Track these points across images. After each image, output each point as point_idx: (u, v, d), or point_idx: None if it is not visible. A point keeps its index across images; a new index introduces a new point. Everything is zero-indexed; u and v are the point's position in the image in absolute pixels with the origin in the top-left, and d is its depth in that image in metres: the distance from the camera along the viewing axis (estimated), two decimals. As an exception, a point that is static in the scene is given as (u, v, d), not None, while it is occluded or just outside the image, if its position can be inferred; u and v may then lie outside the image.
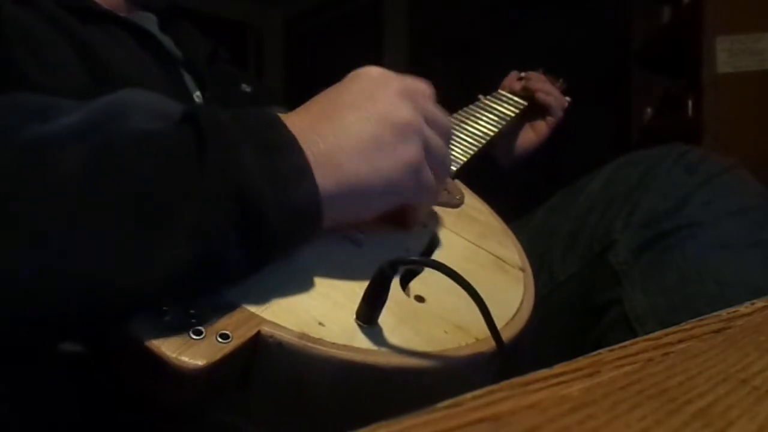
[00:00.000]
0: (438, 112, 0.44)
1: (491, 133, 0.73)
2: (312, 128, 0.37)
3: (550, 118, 0.92)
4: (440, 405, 0.19)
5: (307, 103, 0.41)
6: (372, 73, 0.43)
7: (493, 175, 0.91)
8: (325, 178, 0.36)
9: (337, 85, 0.42)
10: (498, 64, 0.99)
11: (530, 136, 0.93)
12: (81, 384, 0.37)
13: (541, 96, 0.90)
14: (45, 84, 0.49)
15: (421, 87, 0.44)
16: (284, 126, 0.37)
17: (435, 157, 0.42)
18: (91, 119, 0.35)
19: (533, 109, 0.90)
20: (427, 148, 0.41)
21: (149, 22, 0.67)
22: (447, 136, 0.45)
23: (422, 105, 0.42)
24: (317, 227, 0.36)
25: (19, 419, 0.37)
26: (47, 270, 0.30)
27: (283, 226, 0.34)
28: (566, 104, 0.93)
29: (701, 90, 1.53)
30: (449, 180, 0.58)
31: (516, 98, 0.86)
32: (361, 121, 0.39)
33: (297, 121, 0.38)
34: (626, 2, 2.15)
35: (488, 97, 0.84)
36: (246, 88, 0.74)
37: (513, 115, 0.81)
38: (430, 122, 0.42)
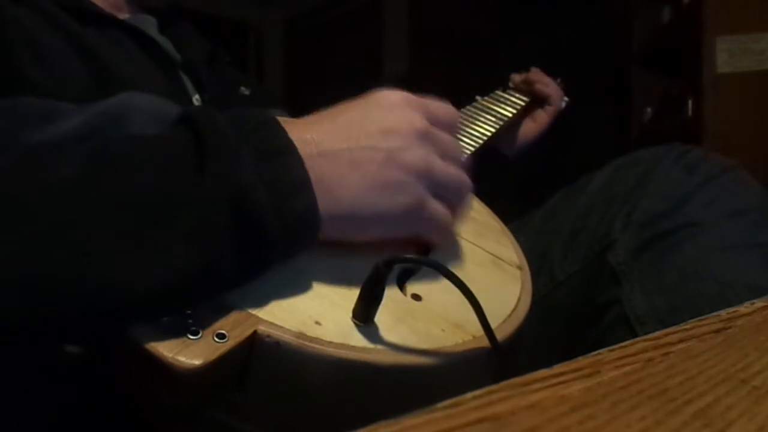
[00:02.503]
0: (453, 143, 0.43)
1: (488, 134, 0.72)
2: (318, 145, 0.37)
3: (549, 107, 0.94)
4: (440, 405, 0.19)
5: (320, 115, 0.40)
6: (393, 99, 0.41)
7: (492, 173, 0.91)
8: (321, 202, 0.35)
9: (355, 104, 0.41)
10: (498, 64, 0.99)
11: (530, 125, 0.94)
12: (80, 384, 0.37)
13: (539, 87, 0.92)
14: (47, 85, 0.49)
15: (443, 115, 0.43)
16: (283, 130, 0.36)
17: (448, 192, 0.41)
18: (92, 122, 0.35)
19: (533, 105, 0.92)
20: (438, 184, 0.40)
21: (149, 25, 0.67)
22: (460, 164, 0.44)
23: (437, 139, 0.41)
24: (315, 238, 0.36)
25: (19, 419, 0.37)
26: (45, 274, 0.29)
27: (281, 235, 0.34)
28: (564, 98, 0.96)
29: (701, 90, 1.53)
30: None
31: (513, 98, 0.86)
32: (368, 155, 0.38)
33: (305, 132, 0.37)
34: (626, 2, 2.15)
35: (485, 98, 0.84)
36: (245, 91, 0.74)
37: (510, 115, 0.81)
38: (443, 155, 0.41)
